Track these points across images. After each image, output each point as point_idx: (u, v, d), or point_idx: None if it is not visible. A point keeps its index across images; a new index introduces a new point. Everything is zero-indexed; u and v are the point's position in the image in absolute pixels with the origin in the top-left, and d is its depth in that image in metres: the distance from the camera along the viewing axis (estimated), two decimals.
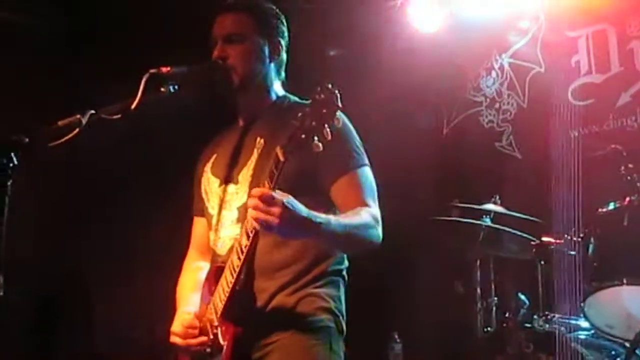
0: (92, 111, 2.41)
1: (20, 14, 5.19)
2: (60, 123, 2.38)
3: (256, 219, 2.23)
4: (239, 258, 2.45)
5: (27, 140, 2.26)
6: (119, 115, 2.48)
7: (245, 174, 2.74)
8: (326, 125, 2.15)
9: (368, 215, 2.55)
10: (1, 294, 2.10)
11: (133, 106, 2.48)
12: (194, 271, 2.94)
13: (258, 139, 2.75)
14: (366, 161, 2.62)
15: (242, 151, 2.81)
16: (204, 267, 2.90)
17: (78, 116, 2.40)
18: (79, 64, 5.00)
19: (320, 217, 2.35)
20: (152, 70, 2.54)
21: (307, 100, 2.40)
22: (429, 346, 5.56)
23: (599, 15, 5.49)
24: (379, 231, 2.57)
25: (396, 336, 5.66)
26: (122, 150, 5.06)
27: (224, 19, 2.81)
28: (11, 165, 2.22)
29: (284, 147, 2.23)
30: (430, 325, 5.59)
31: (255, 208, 2.24)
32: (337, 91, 2.18)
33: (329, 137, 2.16)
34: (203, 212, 2.92)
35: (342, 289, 2.77)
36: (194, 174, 3.02)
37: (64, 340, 4.54)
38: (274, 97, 2.87)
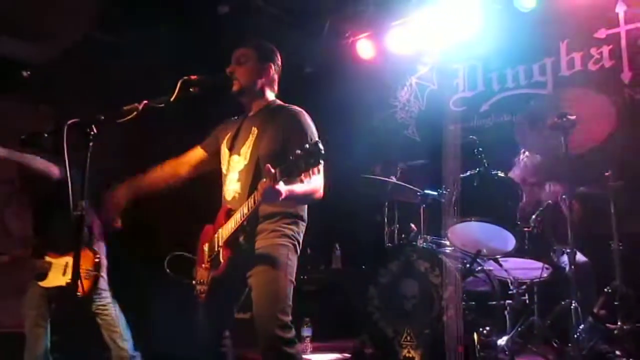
0: (145, 101, 2.68)
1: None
2: (124, 108, 2.64)
3: (262, 194, 2.63)
4: (250, 207, 2.78)
5: (102, 117, 2.50)
6: (162, 105, 2.73)
7: (245, 150, 3.05)
8: (310, 170, 2.39)
9: (316, 182, 2.85)
10: (80, 213, 2.40)
11: (172, 99, 2.75)
12: (157, 170, 3.31)
13: (254, 128, 3.06)
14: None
15: (244, 134, 3.12)
16: (167, 172, 3.27)
17: (136, 104, 2.66)
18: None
19: (290, 191, 2.65)
20: (185, 77, 2.85)
21: (287, 104, 2.96)
22: (359, 250, 6.31)
23: (472, 54, 6.41)
24: (322, 190, 2.93)
25: (337, 246, 6.70)
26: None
27: (237, 51, 3.21)
28: (92, 133, 2.46)
29: (282, 172, 2.50)
30: (359, 238, 6.39)
31: (262, 190, 2.61)
32: (321, 147, 2.38)
33: (310, 177, 2.44)
34: (206, 148, 3.27)
35: (302, 226, 3.12)
36: (216, 135, 3.28)
37: None
38: (267, 100, 3.19)
